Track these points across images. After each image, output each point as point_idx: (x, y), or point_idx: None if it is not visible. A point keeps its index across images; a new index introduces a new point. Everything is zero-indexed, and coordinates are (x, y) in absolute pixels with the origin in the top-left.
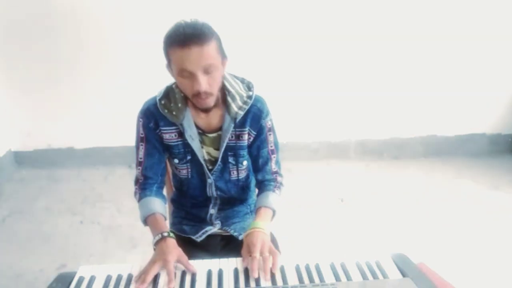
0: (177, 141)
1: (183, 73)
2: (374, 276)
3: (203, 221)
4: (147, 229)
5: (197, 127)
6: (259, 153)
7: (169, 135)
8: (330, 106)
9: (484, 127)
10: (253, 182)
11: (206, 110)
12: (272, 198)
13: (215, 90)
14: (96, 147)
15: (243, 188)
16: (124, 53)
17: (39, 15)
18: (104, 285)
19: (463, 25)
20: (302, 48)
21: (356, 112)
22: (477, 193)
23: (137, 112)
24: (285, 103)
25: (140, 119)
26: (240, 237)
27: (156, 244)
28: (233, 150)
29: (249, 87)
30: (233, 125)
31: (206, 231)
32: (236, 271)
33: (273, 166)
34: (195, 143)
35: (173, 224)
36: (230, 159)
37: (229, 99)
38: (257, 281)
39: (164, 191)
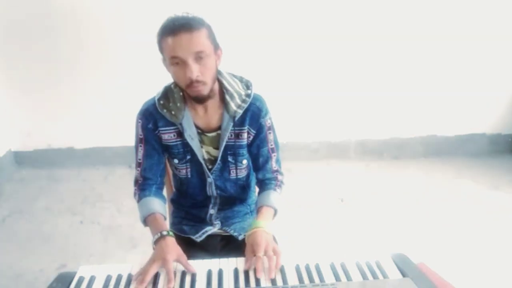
0: (176, 141)
1: (174, 60)
2: (374, 276)
3: (203, 221)
4: (147, 229)
5: (196, 126)
6: (259, 152)
7: (168, 135)
8: (330, 106)
9: (484, 127)
10: (253, 182)
11: (202, 101)
12: (274, 197)
13: (208, 79)
14: (96, 147)
15: (243, 187)
16: (124, 53)
17: (39, 15)
18: (104, 285)
19: (463, 25)
20: (302, 48)
21: (356, 112)
22: (477, 193)
23: (137, 112)
24: (285, 103)
25: (139, 120)
26: (240, 237)
27: (156, 243)
28: (232, 149)
29: (247, 86)
30: (232, 123)
31: (206, 231)
32: (236, 271)
33: (273, 164)
34: (194, 143)
35: (173, 224)
36: (230, 158)
37: (227, 97)
38: (257, 281)
39: (164, 192)
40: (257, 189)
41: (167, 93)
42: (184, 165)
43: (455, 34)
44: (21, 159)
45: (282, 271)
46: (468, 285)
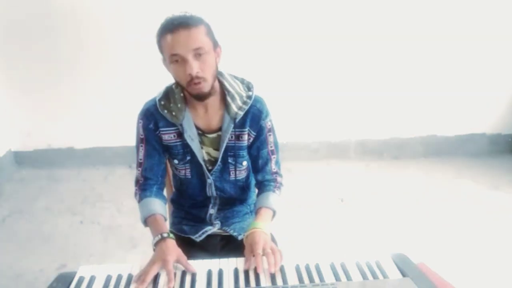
0: (177, 142)
1: (174, 58)
2: (374, 276)
3: (203, 221)
4: (147, 229)
5: (197, 127)
6: (259, 154)
7: (169, 136)
8: (330, 106)
9: (484, 127)
10: (253, 182)
11: (202, 98)
12: (273, 198)
13: (208, 75)
14: (96, 147)
15: (243, 188)
16: (124, 53)
17: (39, 15)
18: (104, 285)
19: (463, 25)
20: (302, 48)
21: (356, 112)
22: (477, 193)
23: (137, 112)
24: (285, 103)
25: (140, 120)
26: (240, 237)
27: (156, 244)
28: (232, 151)
29: (248, 87)
30: (232, 125)
31: (206, 231)
32: (236, 271)
33: (273, 166)
34: (194, 144)
35: (172, 224)
36: (230, 160)
37: (228, 99)
38: (257, 281)
39: (164, 192)
40: (257, 190)
41: (168, 94)
42: (184, 165)
43: (455, 34)
44: (21, 159)
45: (282, 271)
46: (468, 285)
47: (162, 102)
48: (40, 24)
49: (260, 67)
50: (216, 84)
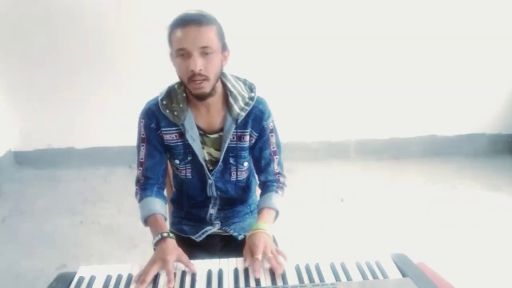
0: (178, 142)
1: (180, 52)
2: (374, 276)
3: (203, 221)
4: (147, 229)
5: (198, 127)
6: (261, 155)
7: (170, 136)
8: (330, 106)
9: (484, 127)
10: (253, 183)
11: (202, 98)
12: (275, 199)
13: (211, 75)
14: (96, 147)
15: (243, 189)
16: (124, 53)
17: (40, 16)
18: (104, 285)
19: (463, 25)
20: (301, 48)
21: (356, 112)
22: (477, 193)
23: (137, 112)
24: (285, 103)
25: (142, 120)
26: (240, 237)
27: (156, 244)
28: (234, 151)
29: (251, 89)
30: (234, 126)
31: (206, 231)
32: (236, 271)
33: (275, 167)
34: (196, 144)
35: (172, 224)
36: (231, 160)
37: (231, 100)
38: (257, 281)
39: (165, 192)
40: (258, 191)
41: (170, 93)
42: (185, 165)
43: (455, 34)
44: (21, 159)
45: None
46: (468, 285)
47: (164, 102)
48: (40, 24)
49: (260, 67)
50: (219, 85)
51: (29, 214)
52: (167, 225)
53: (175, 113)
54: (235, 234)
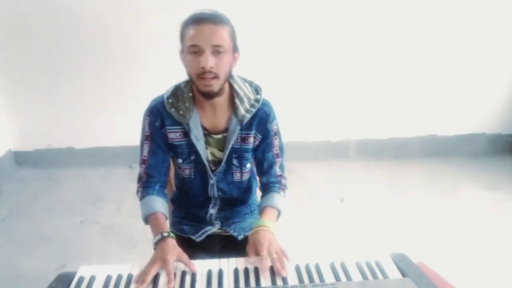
0: (182, 141)
1: (192, 49)
2: (374, 276)
3: (203, 221)
4: (147, 229)
5: (203, 127)
6: (264, 157)
7: (174, 134)
8: (330, 106)
9: (484, 127)
10: (254, 184)
11: (210, 97)
12: (278, 199)
13: (222, 74)
14: (96, 147)
15: (244, 190)
16: (124, 53)
17: (39, 15)
18: (104, 285)
19: (463, 25)
20: (301, 48)
21: (356, 112)
22: (477, 193)
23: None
24: (285, 103)
25: (146, 117)
26: (240, 237)
27: (156, 244)
28: (237, 153)
29: (257, 91)
30: (239, 127)
31: (206, 231)
32: (236, 271)
33: (277, 169)
34: (200, 144)
35: (173, 224)
36: (234, 161)
37: (237, 101)
38: (257, 281)
39: (166, 191)
40: (258, 192)
41: (176, 92)
42: (188, 165)
43: (455, 34)
44: (21, 159)
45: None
46: (468, 285)
47: (170, 100)
48: (40, 24)
49: (260, 67)
50: (226, 85)
51: (29, 214)
52: (167, 225)
53: (181, 112)
54: (235, 234)
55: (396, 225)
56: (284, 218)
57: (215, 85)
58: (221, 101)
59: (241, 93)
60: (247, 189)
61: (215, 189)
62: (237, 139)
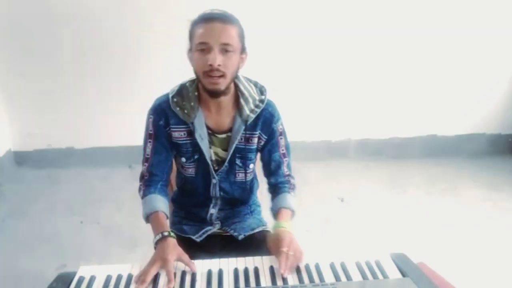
0: (186, 140)
1: (201, 46)
2: (374, 276)
3: (203, 221)
4: (147, 229)
5: (207, 127)
6: (271, 157)
7: (179, 133)
8: (330, 105)
9: (484, 127)
10: (255, 185)
11: (216, 95)
12: (290, 199)
13: (229, 73)
14: (96, 147)
15: (246, 190)
16: (124, 53)
17: (40, 16)
18: (104, 285)
19: (463, 25)
20: (301, 48)
21: (356, 112)
22: (477, 193)
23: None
24: (285, 103)
25: (151, 116)
26: (240, 237)
27: (157, 243)
28: (241, 153)
29: (261, 91)
30: (243, 127)
31: (206, 231)
32: (236, 271)
33: (285, 169)
34: (204, 143)
35: (173, 224)
36: (238, 161)
37: (242, 101)
38: (257, 281)
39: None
40: (259, 192)
41: (182, 91)
42: (191, 164)
43: (455, 34)
44: (21, 159)
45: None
46: (468, 285)
47: (175, 99)
48: (40, 24)
49: (259, 67)
50: (232, 85)
51: (29, 214)
52: (168, 224)
53: (186, 111)
54: (235, 234)
55: (396, 225)
56: None
57: (222, 84)
58: (226, 100)
59: (246, 93)
60: (249, 189)
61: (217, 189)
62: (241, 139)
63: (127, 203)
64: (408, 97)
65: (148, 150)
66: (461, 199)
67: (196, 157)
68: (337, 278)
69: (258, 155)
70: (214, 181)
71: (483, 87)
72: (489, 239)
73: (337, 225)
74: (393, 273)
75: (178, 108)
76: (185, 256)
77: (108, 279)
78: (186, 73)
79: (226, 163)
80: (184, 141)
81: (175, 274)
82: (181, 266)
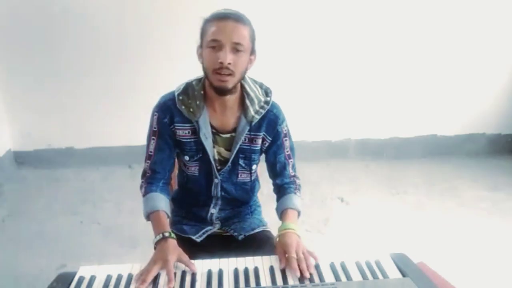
0: (190, 138)
1: (212, 44)
2: (374, 276)
3: (204, 221)
4: (147, 229)
5: (211, 126)
6: (276, 159)
7: (183, 132)
8: (330, 105)
9: (484, 127)
10: (256, 186)
11: (223, 93)
12: (296, 200)
13: (237, 73)
14: (96, 147)
15: (247, 191)
16: (124, 53)
17: (39, 16)
18: (104, 285)
19: (463, 25)
20: (301, 48)
21: (356, 112)
22: (477, 193)
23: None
24: (284, 103)
25: (155, 113)
26: (240, 237)
27: (157, 243)
28: (245, 153)
29: (267, 93)
30: (248, 128)
31: (206, 231)
32: (236, 271)
33: (290, 170)
34: (208, 142)
35: (173, 223)
36: (241, 162)
37: (247, 102)
38: (257, 281)
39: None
40: (259, 192)
41: (187, 90)
42: (194, 162)
43: (455, 34)
44: (21, 159)
45: (282, 271)
46: (468, 285)
47: (181, 97)
48: (40, 24)
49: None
50: (238, 85)
51: (29, 214)
52: (169, 223)
53: (191, 109)
54: (235, 234)
55: (396, 225)
56: None
57: (230, 82)
58: (232, 100)
59: (252, 94)
60: (250, 190)
61: (219, 188)
62: (245, 139)
63: (127, 203)
64: (408, 97)
65: (151, 148)
66: (461, 199)
67: (199, 155)
68: (337, 278)
69: (262, 156)
70: (216, 180)
71: (483, 87)
72: (489, 239)
73: (337, 225)
74: (393, 273)
75: (183, 107)
76: (185, 257)
77: (108, 279)
78: (186, 74)
79: (229, 163)
80: (188, 140)
81: (175, 274)
82: (182, 266)
